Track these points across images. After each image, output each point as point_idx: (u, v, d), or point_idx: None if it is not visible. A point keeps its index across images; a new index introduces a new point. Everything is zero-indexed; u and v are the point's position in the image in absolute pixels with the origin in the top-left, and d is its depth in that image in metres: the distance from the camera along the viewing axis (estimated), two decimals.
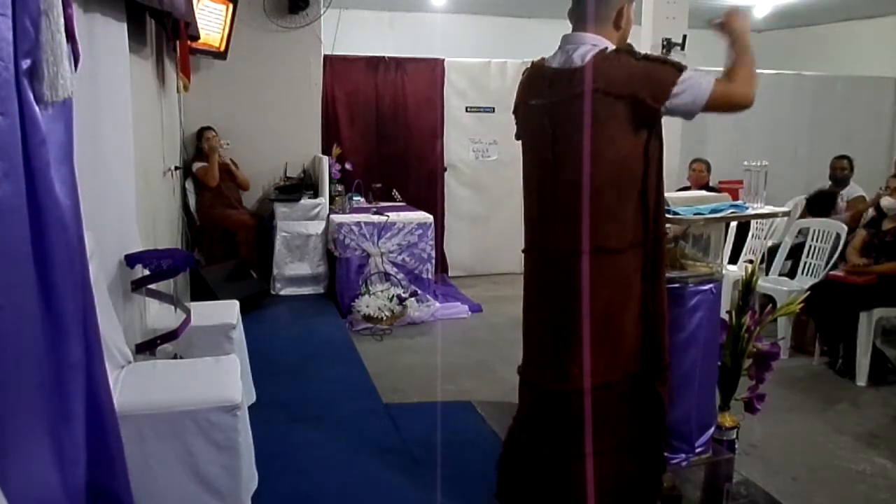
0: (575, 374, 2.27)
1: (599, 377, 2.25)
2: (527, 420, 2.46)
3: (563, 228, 2.25)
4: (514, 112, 2.44)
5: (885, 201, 4.47)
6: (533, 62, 2.38)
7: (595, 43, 2.19)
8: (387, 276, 5.31)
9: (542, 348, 2.39)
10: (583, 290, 2.22)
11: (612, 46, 2.19)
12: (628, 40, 2.33)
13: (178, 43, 4.44)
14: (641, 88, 2.11)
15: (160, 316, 3.21)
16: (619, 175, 2.17)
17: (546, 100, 2.26)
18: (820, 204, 5.32)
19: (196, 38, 4.75)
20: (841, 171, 5.74)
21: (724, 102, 2.18)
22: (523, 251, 2.44)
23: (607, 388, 2.26)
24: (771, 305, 3.67)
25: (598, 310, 2.23)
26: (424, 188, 6.47)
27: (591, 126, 2.15)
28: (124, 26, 3.15)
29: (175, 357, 2.97)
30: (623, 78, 2.11)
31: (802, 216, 5.40)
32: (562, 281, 2.28)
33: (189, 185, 5.61)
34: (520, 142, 2.44)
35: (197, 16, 4.93)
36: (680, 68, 2.15)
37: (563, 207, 2.24)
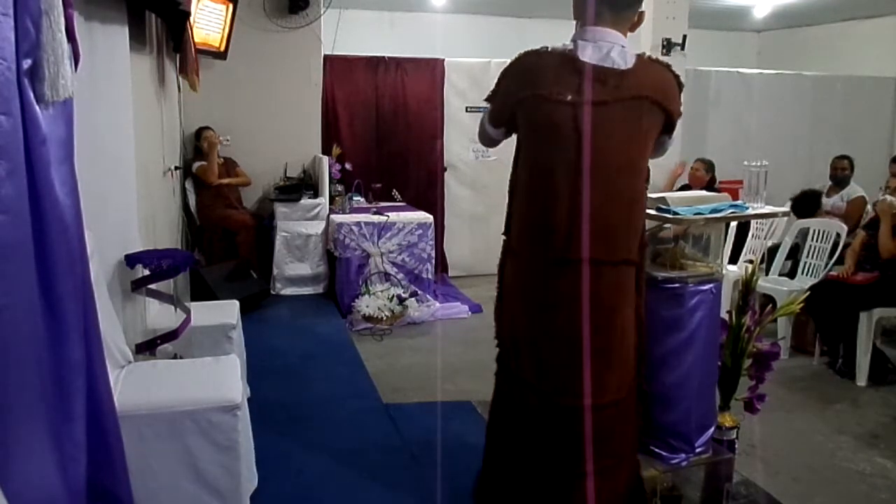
0: (590, 390, 2.14)
1: (611, 395, 2.20)
2: (529, 430, 2.27)
3: (593, 239, 2.05)
4: (516, 102, 2.15)
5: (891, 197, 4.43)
6: (540, 51, 2.10)
7: (623, 43, 2.07)
8: (387, 276, 5.30)
9: (550, 360, 2.19)
10: (606, 303, 2.13)
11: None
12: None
13: (185, 43, 4.44)
14: (673, 102, 2.06)
15: (160, 316, 3.20)
16: (646, 187, 2.14)
17: (580, 98, 2.00)
18: (805, 205, 5.22)
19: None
20: (841, 171, 5.73)
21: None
22: (511, 254, 2.27)
23: (616, 405, 2.21)
24: (771, 305, 3.67)
25: (618, 324, 2.17)
26: (424, 188, 6.46)
27: (638, 134, 2.06)
28: (125, 26, 3.16)
29: (175, 357, 2.97)
30: (663, 88, 2.06)
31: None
32: (579, 293, 2.08)
33: (189, 184, 5.61)
34: (515, 136, 2.24)
35: (197, 16, 4.94)
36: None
37: (595, 216, 2.04)
